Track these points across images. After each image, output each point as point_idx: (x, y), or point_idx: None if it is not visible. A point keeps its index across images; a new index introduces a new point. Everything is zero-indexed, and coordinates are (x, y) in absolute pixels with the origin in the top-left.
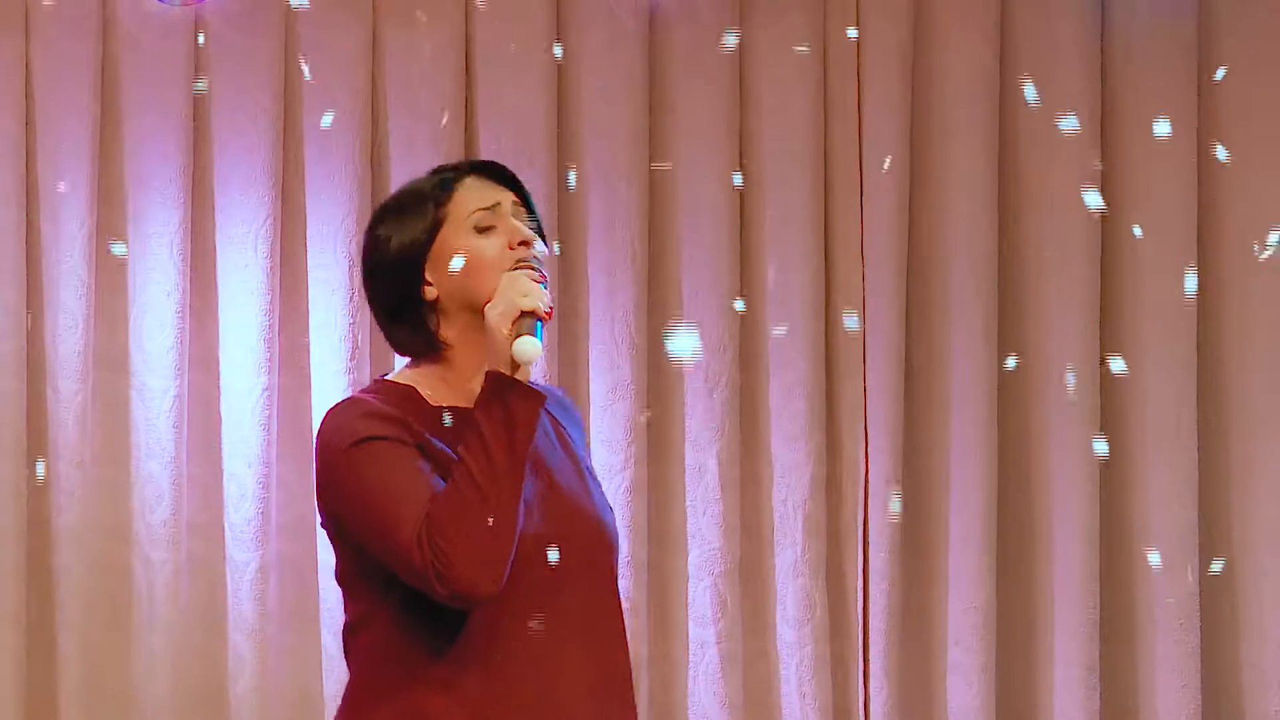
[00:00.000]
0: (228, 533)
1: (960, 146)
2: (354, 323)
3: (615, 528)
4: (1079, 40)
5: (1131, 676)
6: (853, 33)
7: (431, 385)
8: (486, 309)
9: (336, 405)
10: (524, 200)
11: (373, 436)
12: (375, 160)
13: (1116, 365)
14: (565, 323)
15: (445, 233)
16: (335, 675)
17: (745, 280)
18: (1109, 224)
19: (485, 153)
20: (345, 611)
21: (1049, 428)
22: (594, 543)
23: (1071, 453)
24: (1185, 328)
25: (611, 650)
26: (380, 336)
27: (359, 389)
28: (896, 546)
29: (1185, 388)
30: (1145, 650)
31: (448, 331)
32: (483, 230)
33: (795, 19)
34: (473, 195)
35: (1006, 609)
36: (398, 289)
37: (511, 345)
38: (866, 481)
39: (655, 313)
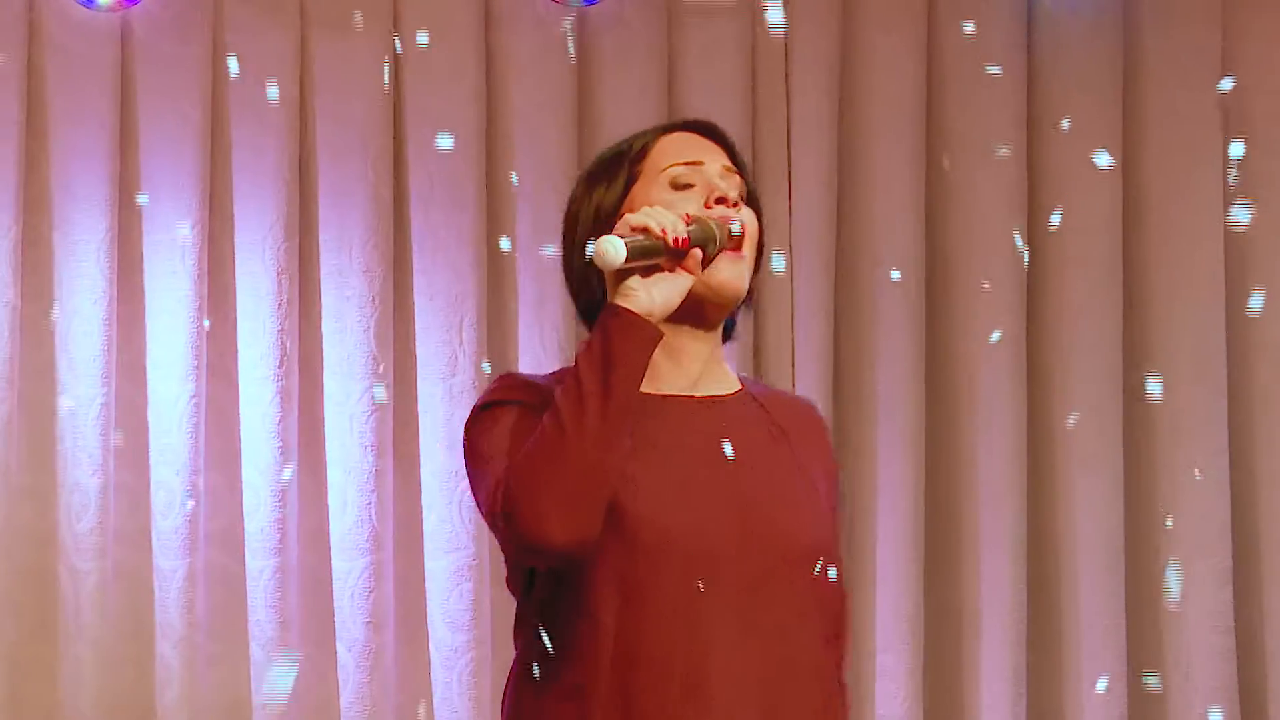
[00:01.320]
0: (155, 541)
1: (888, 150)
2: (282, 329)
3: (820, 539)
4: (1005, 45)
5: (1058, 683)
6: (777, 16)
7: None
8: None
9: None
10: (737, 165)
11: (501, 401)
12: (304, 167)
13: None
14: (494, 328)
15: (637, 190)
16: (264, 684)
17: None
18: (1034, 225)
19: (414, 157)
20: None
21: (977, 434)
22: (777, 548)
23: (999, 460)
24: (1112, 333)
25: (784, 660)
26: (310, 343)
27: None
28: None
29: (1112, 394)
30: (1071, 655)
31: None
32: (680, 188)
33: (724, 23)
34: (673, 149)
35: (934, 615)
36: (584, 253)
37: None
38: None
39: None
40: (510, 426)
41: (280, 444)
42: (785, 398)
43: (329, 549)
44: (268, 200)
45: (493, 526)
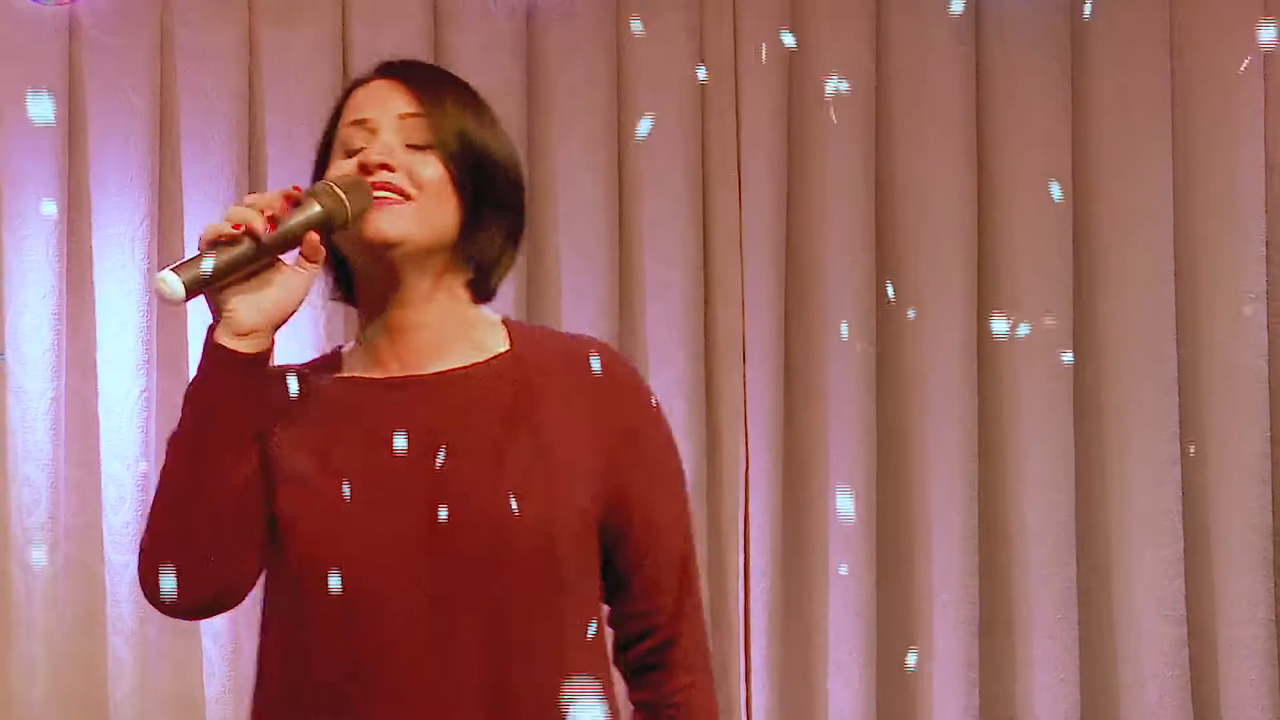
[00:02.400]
0: (106, 535)
1: (837, 144)
2: None
3: (551, 527)
4: (954, 44)
5: (1010, 672)
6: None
7: (355, 352)
8: None
9: None
10: (428, 101)
11: None
12: (253, 159)
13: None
14: None
15: (332, 158)
16: (216, 678)
17: (624, 278)
18: (984, 222)
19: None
20: None
21: (927, 426)
22: (477, 556)
23: (949, 450)
24: (1060, 325)
25: (487, 690)
26: None
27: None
28: (778, 545)
29: (1060, 385)
30: (1024, 646)
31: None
32: (353, 152)
33: (672, 18)
34: (353, 107)
35: (887, 606)
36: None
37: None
38: (747, 480)
39: (534, 312)
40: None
41: None
42: (559, 349)
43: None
44: (218, 192)
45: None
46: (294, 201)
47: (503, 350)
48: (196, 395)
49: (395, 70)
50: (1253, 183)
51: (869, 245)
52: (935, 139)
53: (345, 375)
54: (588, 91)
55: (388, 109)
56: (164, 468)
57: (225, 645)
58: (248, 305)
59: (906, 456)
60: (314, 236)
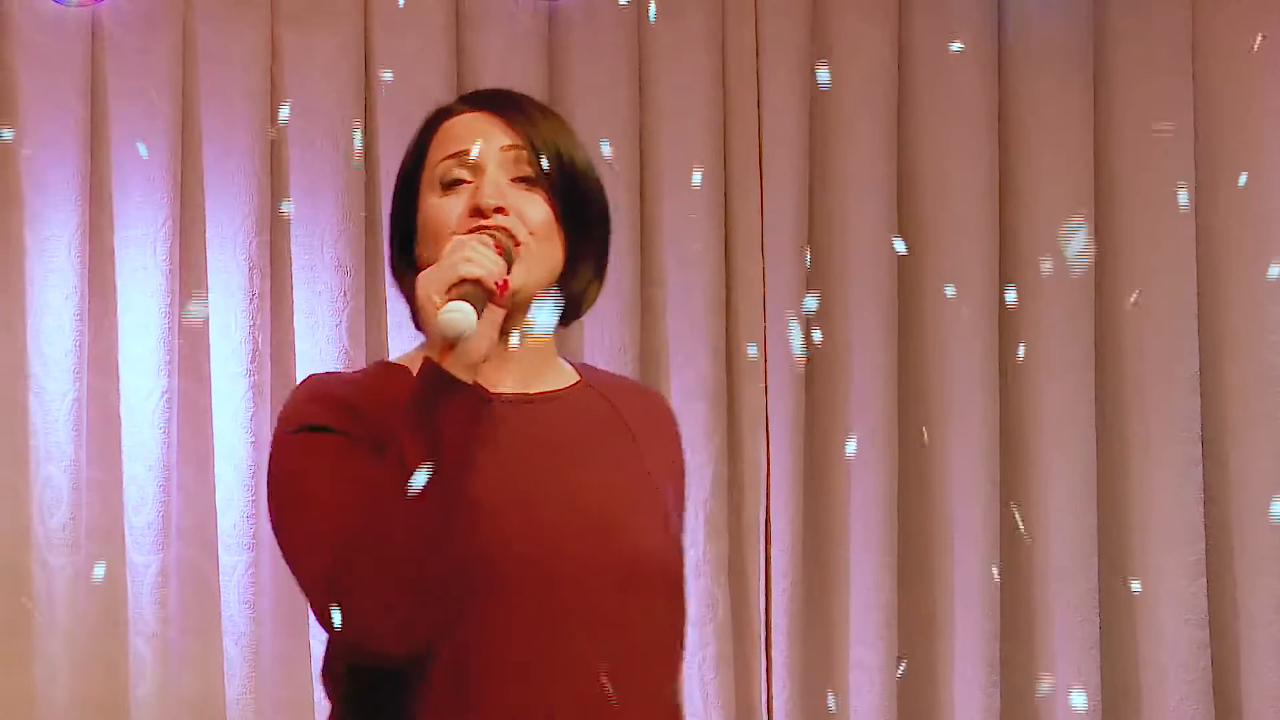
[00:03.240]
0: (128, 536)
1: (861, 145)
2: (254, 325)
3: (670, 558)
4: (977, 41)
5: (1031, 674)
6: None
7: None
8: (419, 279)
9: (302, 382)
10: (525, 132)
11: (313, 426)
12: (275, 162)
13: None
14: None
15: (421, 193)
16: (237, 679)
17: (645, 280)
18: (1006, 224)
19: (386, 150)
20: None
21: (949, 428)
22: (626, 571)
23: (971, 453)
24: (1084, 328)
25: (641, 713)
26: (281, 339)
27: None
28: (798, 546)
29: (1083, 388)
30: (1045, 647)
31: None
32: (449, 187)
33: (695, 19)
34: (449, 140)
35: (908, 607)
36: (394, 257)
37: (435, 318)
38: (768, 481)
39: None
40: (333, 468)
41: (253, 439)
42: (630, 389)
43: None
44: (239, 194)
45: (318, 616)
46: (499, 249)
47: (577, 380)
48: (448, 437)
49: (487, 101)
50: (1275, 184)
51: (891, 248)
52: (957, 139)
53: None
54: (610, 92)
55: (489, 141)
56: (435, 516)
57: (246, 647)
58: (478, 345)
59: (928, 458)
60: (509, 279)
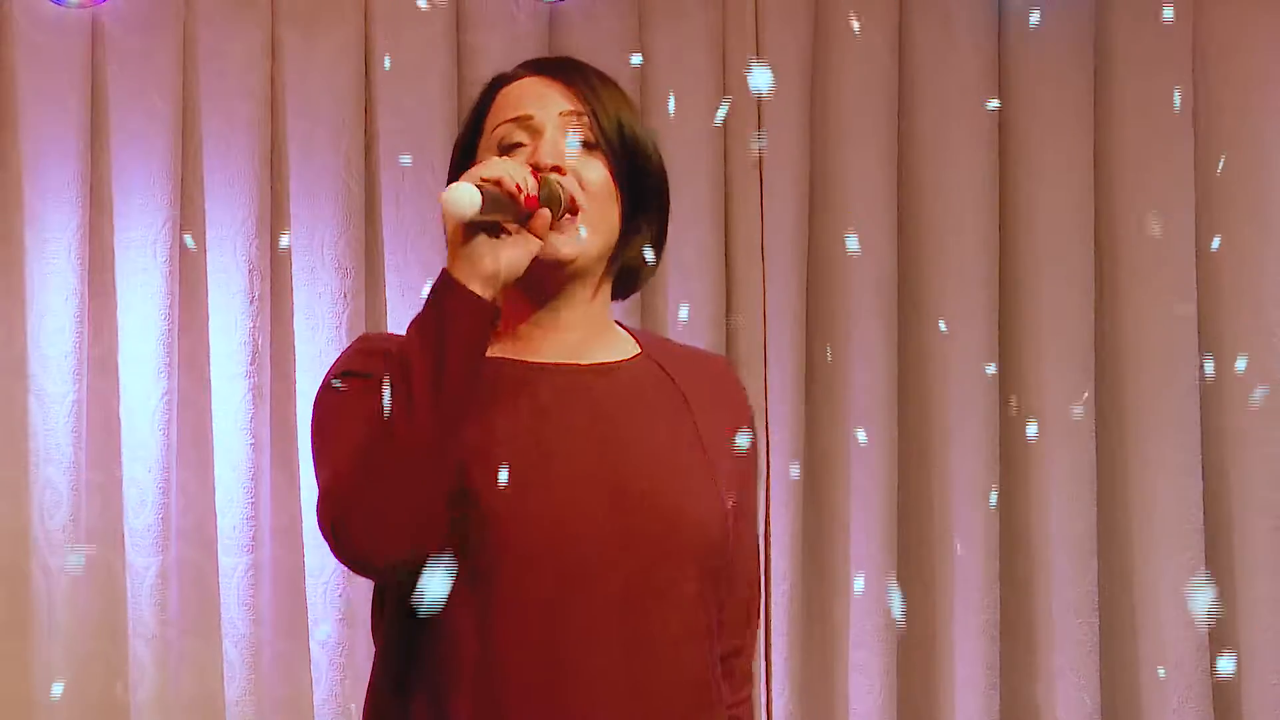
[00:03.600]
0: (127, 538)
1: (859, 150)
2: (254, 326)
3: (715, 534)
4: (977, 42)
5: (1030, 677)
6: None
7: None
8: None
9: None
10: (588, 100)
11: (352, 373)
12: (275, 163)
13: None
14: None
15: (479, 153)
16: (237, 681)
17: (645, 286)
18: (1006, 227)
19: (386, 152)
20: None
21: (949, 430)
22: (662, 547)
23: (971, 454)
24: (1083, 328)
25: (664, 681)
26: (281, 341)
27: None
28: (798, 549)
29: (1082, 388)
30: (1044, 650)
31: None
32: (508, 149)
33: (695, 22)
34: (505, 103)
35: (908, 610)
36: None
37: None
38: (768, 485)
39: None
40: (358, 409)
41: (252, 441)
42: (694, 356)
43: (302, 545)
44: (239, 196)
45: (322, 534)
46: (537, 178)
47: (637, 353)
48: (437, 332)
49: (547, 66)
50: (1277, 190)
51: (891, 252)
52: (958, 144)
53: (493, 355)
54: None
55: (549, 106)
56: (395, 402)
57: (246, 649)
58: (491, 253)
59: (928, 462)
60: (546, 214)
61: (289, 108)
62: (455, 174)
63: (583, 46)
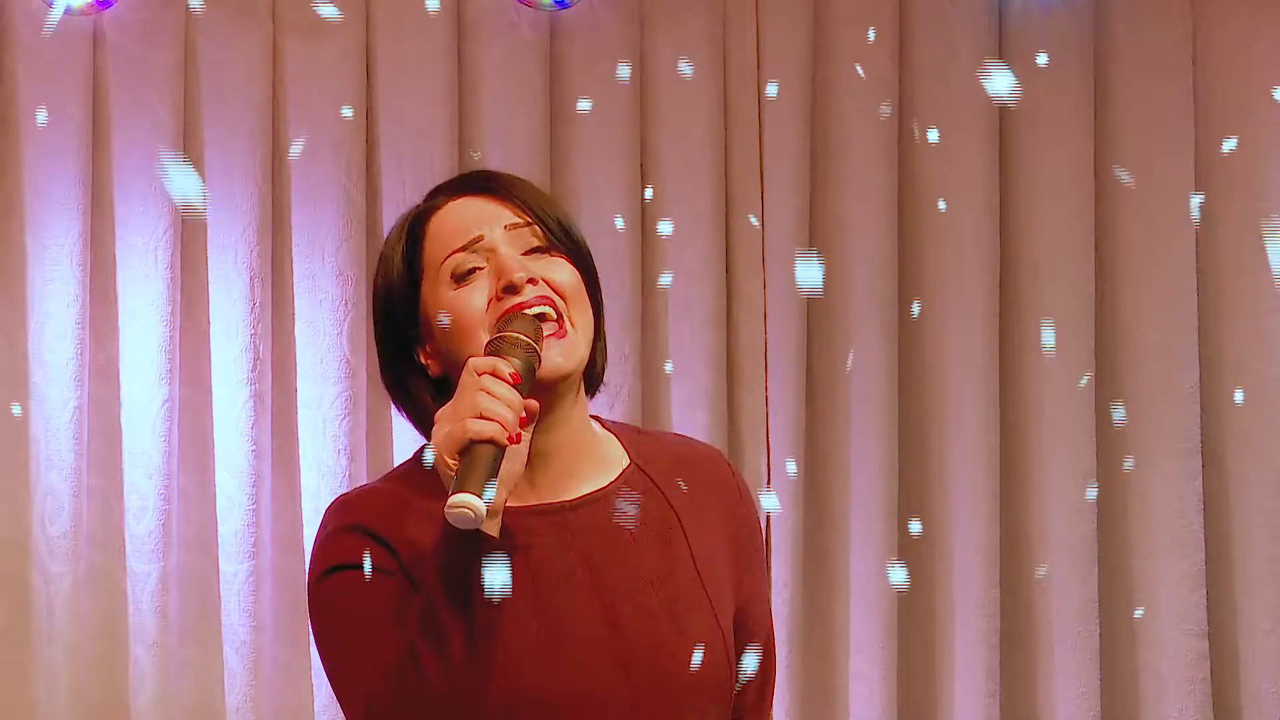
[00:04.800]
0: (128, 545)
1: (860, 156)
2: (255, 334)
3: (715, 672)
4: (976, 50)
5: (1031, 683)
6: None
7: None
8: (435, 430)
9: (331, 504)
10: (528, 208)
11: (343, 565)
12: (276, 171)
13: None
14: None
15: (425, 292)
16: (237, 688)
17: (646, 292)
18: (1007, 230)
19: (386, 160)
20: None
21: (949, 437)
22: (660, 695)
23: (972, 462)
24: (1083, 338)
25: None
26: (282, 348)
27: (390, 471)
28: (799, 555)
29: (1084, 396)
30: (1044, 657)
31: None
32: (463, 278)
33: (695, 29)
34: (445, 232)
35: (908, 616)
36: (397, 363)
37: (449, 494)
38: (768, 483)
39: None
40: (368, 615)
41: (253, 447)
42: (683, 456)
43: (302, 552)
44: (240, 203)
45: None
46: (497, 352)
47: (626, 464)
48: (463, 581)
49: (469, 185)
50: (1277, 195)
51: (891, 257)
52: (958, 150)
53: None
54: (609, 102)
55: (492, 223)
56: (425, 652)
57: (247, 656)
58: (500, 489)
59: (928, 468)
60: (533, 404)
61: (290, 116)
62: (390, 311)
63: (583, 54)
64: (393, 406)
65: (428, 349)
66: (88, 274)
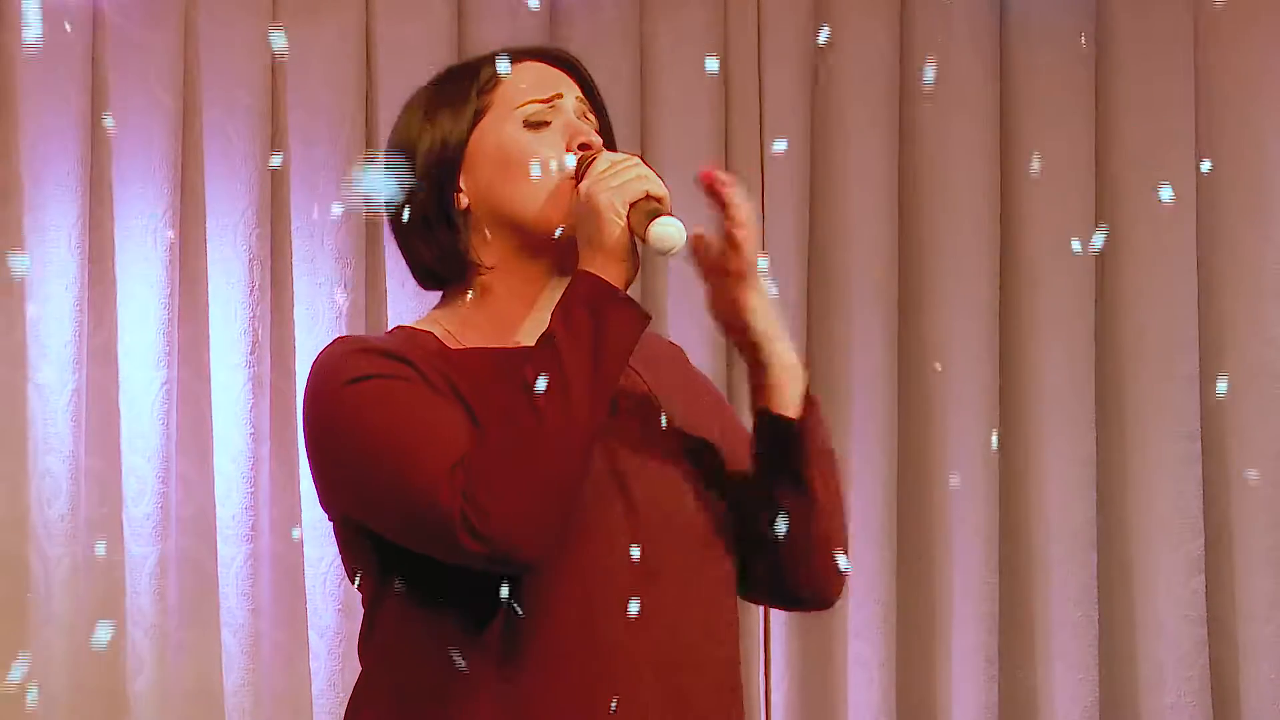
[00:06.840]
0: (126, 527)
1: (860, 142)
2: (254, 316)
3: (711, 518)
4: (977, 34)
5: (1030, 668)
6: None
7: (456, 327)
8: (584, 187)
9: (323, 349)
10: (592, 99)
11: (372, 375)
12: (276, 152)
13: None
14: None
15: (486, 126)
16: (235, 670)
17: (646, 278)
18: (1007, 222)
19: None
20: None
21: (948, 422)
22: (670, 532)
23: (970, 447)
24: (1083, 324)
25: (698, 662)
26: (281, 331)
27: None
28: None
29: (1083, 382)
30: (1043, 642)
31: (482, 253)
32: (534, 126)
33: (696, 15)
34: (527, 83)
35: (906, 601)
36: (423, 196)
37: (648, 229)
38: None
39: None
40: (425, 402)
41: (252, 430)
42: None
43: (301, 535)
44: (239, 185)
45: (430, 533)
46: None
47: None
48: (596, 339)
49: (550, 56)
50: (1277, 181)
51: (892, 244)
52: (959, 136)
53: (493, 346)
54: (610, 90)
55: (570, 90)
56: (589, 425)
57: (245, 638)
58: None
59: (927, 455)
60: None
61: (289, 98)
62: (442, 135)
63: (584, 40)
64: None
65: (462, 185)
66: (86, 256)
